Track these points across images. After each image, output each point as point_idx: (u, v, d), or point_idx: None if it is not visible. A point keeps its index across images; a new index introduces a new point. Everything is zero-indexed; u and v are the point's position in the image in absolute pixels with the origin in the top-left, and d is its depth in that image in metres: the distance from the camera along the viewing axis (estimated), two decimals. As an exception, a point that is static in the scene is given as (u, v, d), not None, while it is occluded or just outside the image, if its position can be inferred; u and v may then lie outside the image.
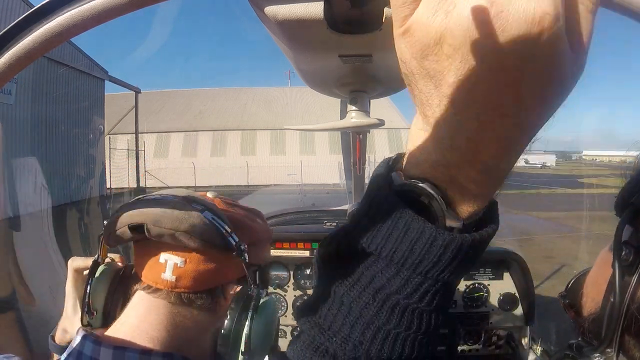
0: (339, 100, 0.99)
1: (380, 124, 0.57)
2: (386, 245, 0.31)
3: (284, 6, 0.28)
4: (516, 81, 0.24)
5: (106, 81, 15.53)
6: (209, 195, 0.66)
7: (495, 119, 0.26)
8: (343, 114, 0.81)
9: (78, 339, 0.52)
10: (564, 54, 0.24)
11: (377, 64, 0.28)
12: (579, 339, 0.55)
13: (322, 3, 0.28)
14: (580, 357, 0.51)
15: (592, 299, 0.56)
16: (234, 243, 0.57)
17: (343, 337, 0.33)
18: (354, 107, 0.53)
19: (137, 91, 16.75)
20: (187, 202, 0.57)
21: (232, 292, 0.64)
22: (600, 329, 0.49)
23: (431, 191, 0.30)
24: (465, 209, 0.30)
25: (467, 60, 0.24)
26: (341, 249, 0.35)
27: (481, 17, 0.22)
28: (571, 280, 0.63)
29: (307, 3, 0.28)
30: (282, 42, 0.35)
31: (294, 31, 0.31)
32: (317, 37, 0.32)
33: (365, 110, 0.55)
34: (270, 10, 0.28)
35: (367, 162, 1.66)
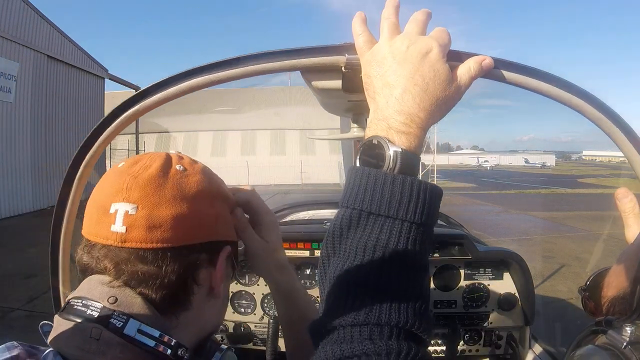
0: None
1: None
2: (351, 196, 0.47)
3: (322, 82, 0.63)
4: (416, 70, 0.48)
5: (106, 79, 15.52)
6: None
7: (410, 87, 0.47)
8: (344, 124, 1.25)
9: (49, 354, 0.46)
10: (438, 69, 0.49)
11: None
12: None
13: (340, 80, 0.62)
14: (611, 329, 0.53)
15: (614, 287, 0.60)
16: (168, 353, 0.48)
17: (344, 254, 0.45)
18: (355, 125, 0.85)
19: (138, 90, 16.69)
20: (104, 317, 0.47)
21: (205, 280, 0.55)
22: (629, 304, 0.52)
23: (379, 135, 0.48)
24: (400, 142, 0.47)
25: (398, 65, 0.49)
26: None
27: (404, 48, 0.50)
28: (590, 277, 0.67)
29: (333, 80, 0.62)
30: (317, 94, 0.70)
31: (326, 92, 0.66)
32: (337, 94, 0.65)
33: (363, 127, 0.85)
34: (315, 83, 0.63)
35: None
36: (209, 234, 0.55)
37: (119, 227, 0.49)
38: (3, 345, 0.45)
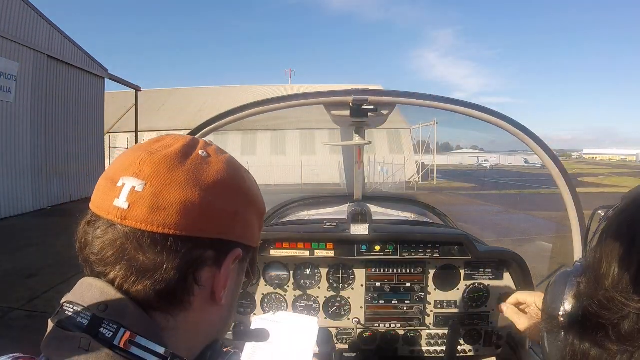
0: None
1: (369, 143, 1.28)
2: None
3: (338, 111, 1.10)
4: None
5: (106, 79, 15.51)
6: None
7: None
8: (344, 133, 1.53)
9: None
10: None
11: (368, 122, 1.12)
12: None
13: (348, 111, 1.07)
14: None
15: None
16: None
17: None
18: (357, 135, 1.22)
19: (138, 89, 16.72)
20: (93, 327, 0.44)
21: (208, 281, 0.50)
22: None
23: None
24: None
25: None
26: None
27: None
28: None
29: (344, 110, 1.10)
30: (332, 117, 1.12)
31: (340, 117, 1.13)
32: (347, 118, 1.13)
33: (362, 136, 1.24)
34: (333, 112, 1.12)
35: (367, 163, 1.88)
36: (220, 230, 0.50)
37: (122, 202, 0.46)
38: (5, 356, 0.45)
